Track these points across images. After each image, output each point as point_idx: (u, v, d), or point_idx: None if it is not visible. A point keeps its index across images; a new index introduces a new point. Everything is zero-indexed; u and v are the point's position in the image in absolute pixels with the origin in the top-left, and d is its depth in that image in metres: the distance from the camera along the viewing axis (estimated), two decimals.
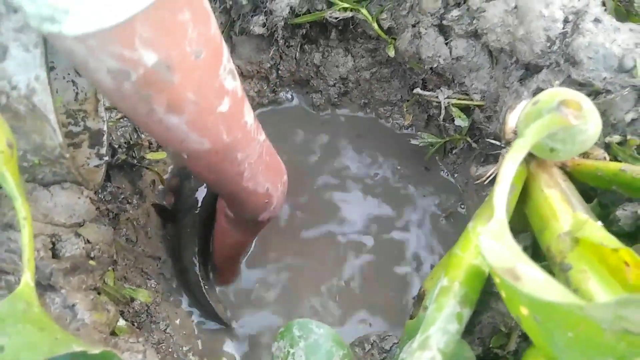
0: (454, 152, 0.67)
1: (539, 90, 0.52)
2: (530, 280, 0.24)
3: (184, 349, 0.54)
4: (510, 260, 0.25)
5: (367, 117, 0.75)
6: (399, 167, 0.70)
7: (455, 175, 0.68)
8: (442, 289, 0.38)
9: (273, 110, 0.76)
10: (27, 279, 0.34)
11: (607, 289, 0.35)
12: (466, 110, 0.62)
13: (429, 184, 0.69)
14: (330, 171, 0.71)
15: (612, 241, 0.36)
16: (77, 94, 0.55)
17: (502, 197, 0.31)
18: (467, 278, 0.36)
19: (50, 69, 0.50)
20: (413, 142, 0.67)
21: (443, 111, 0.62)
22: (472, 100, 0.61)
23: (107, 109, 0.59)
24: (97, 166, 0.54)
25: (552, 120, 0.34)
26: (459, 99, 0.62)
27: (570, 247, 0.37)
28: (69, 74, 0.55)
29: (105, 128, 0.55)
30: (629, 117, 0.47)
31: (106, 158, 0.56)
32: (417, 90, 0.63)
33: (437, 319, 0.36)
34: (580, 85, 0.50)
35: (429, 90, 0.65)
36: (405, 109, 0.70)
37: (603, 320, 0.22)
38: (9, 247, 0.39)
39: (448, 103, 0.62)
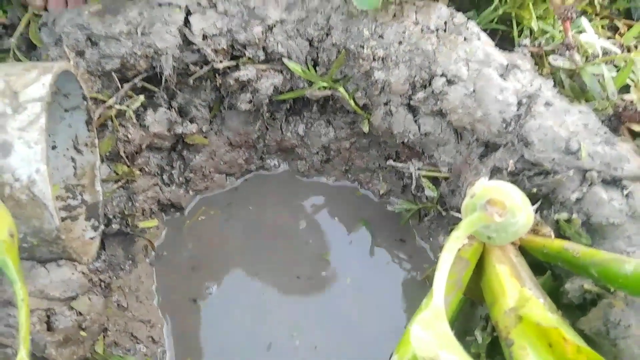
0: (427, 219, 0.71)
1: (495, 168, 0.57)
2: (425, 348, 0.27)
3: None
4: (433, 350, 0.29)
5: (348, 183, 0.79)
6: (375, 234, 0.74)
7: (430, 239, 0.72)
8: None
9: (261, 176, 0.81)
10: (23, 355, 0.38)
11: None
12: (436, 180, 0.67)
13: (404, 251, 0.72)
14: (312, 236, 0.75)
15: (550, 320, 0.40)
16: (75, 170, 0.60)
17: (440, 285, 0.35)
18: (413, 357, 0.39)
19: (52, 147, 0.56)
20: (389, 208, 0.72)
21: (414, 181, 0.67)
22: (440, 172, 0.66)
23: (103, 181, 0.64)
24: (92, 238, 0.58)
25: (479, 218, 0.39)
26: (428, 171, 0.67)
27: (514, 323, 0.41)
28: (68, 150, 0.60)
29: (101, 200, 0.60)
30: (574, 196, 0.51)
31: (101, 228, 0.60)
32: (390, 162, 0.69)
33: None
34: (532, 165, 0.55)
35: (402, 161, 0.70)
36: (381, 179, 0.75)
37: None
38: (8, 322, 0.44)
39: (418, 174, 0.67)
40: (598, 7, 0.70)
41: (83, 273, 0.50)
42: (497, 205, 0.39)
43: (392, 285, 0.70)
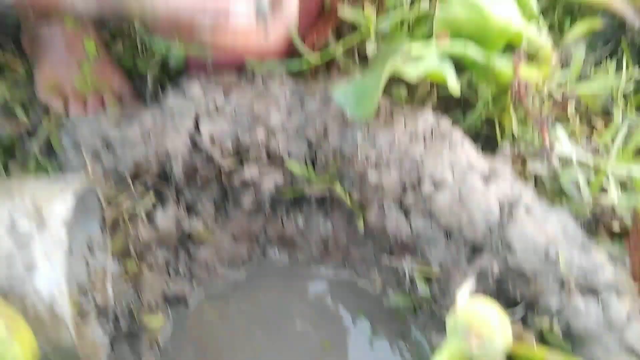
0: (421, 314, 0.74)
1: (482, 271, 0.61)
2: None
3: None
4: None
5: (347, 274, 0.83)
6: (374, 326, 0.77)
7: (426, 334, 0.74)
8: None
9: (262, 266, 0.85)
10: None
11: None
12: (429, 277, 0.71)
13: (402, 344, 0.75)
14: (312, 326, 0.78)
15: None
16: (89, 272, 0.64)
17: None
18: None
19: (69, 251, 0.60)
20: (385, 303, 0.75)
21: (408, 278, 0.71)
22: (432, 269, 0.70)
23: (113, 279, 0.68)
24: (102, 340, 0.62)
25: (459, 349, 0.42)
26: (421, 268, 0.71)
27: None
28: (82, 253, 0.65)
29: (111, 304, 0.64)
30: (554, 304, 0.55)
31: (111, 331, 0.64)
32: (385, 258, 0.73)
33: None
34: (515, 271, 0.59)
35: (397, 257, 0.74)
36: (377, 271, 0.79)
37: None
38: None
39: (412, 271, 0.70)
40: (576, 119, 0.75)
41: None
42: (475, 333, 0.43)
43: None
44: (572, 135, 0.75)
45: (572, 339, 0.53)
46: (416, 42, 0.73)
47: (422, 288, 0.69)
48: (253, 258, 0.83)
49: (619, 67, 0.83)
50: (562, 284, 0.55)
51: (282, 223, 0.82)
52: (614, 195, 0.63)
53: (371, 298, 0.79)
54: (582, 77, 0.82)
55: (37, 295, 0.48)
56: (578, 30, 0.86)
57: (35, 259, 0.48)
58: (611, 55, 0.87)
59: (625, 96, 0.80)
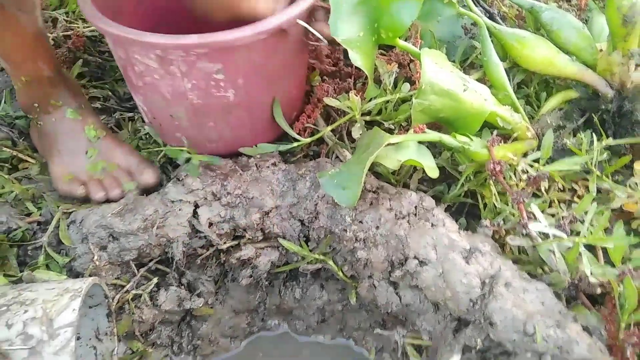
0: None
1: (466, 347, 0.64)
2: None
3: None
4: None
5: (343, 341, 0.86)
6: None
7: None
8: None
9: (263, 337, 0.88)
10: None
11: None
12: (419, 347, 0.74)
13: None
14: None
15: None
16: (96, 357, 0.68)
17: None
18: None
19: (77, 338, 0.64)
20: None
21: (400, 348, 0.74)
22: (422, 340, 0.73)
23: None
24: None
25: None
26: (412, 338, 0.74)
27: None
28: (90, 340, 0.69)
29: None
30: None
31: None
32: (377, 330, 0.76)
33: None
34: (497, 344, 0.62)
35: (389, 328, 0.77)
36: (371, 340, 0.82)
37: None
38: None
39: (403, 342, 0.74)
40: (551, 191, 0.80)
41: None
42: None
43: None
44: (550, 205, 0.79)
45: None
46: (397, 126, 0.79)
47: (414, 357, 0.72)
48: (253, 329, 0.87)
49: (596, 134, 0.88)
50: (540, 358, 0.58)
51: (280, 295, 0.86)
52: (587, 267, 0.66)
53: None
54: (558, 148, 0.88)
55: None
56: (553, 102, 0.92)
57: None
58: (587, 123, 0.92)
59: (601, 163, 0.85)
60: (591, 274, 0.67)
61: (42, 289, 0.59)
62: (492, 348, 0.62)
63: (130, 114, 1.00)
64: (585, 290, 0.67)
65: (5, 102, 0.98)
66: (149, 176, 0.83)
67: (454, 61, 0.97)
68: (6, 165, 0.89)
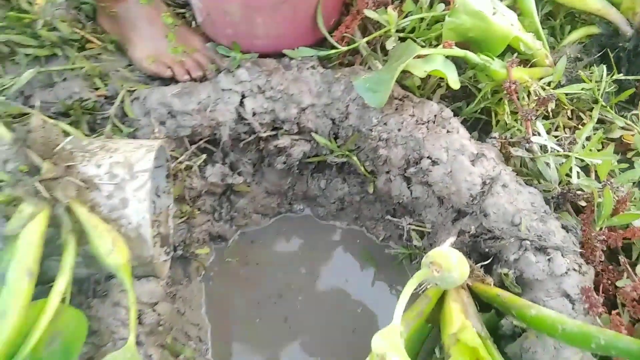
0: (415, 262, 0.91)
1: (461, 231, 0.77)
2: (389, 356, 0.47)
3: None
4: (384, 350, 0.49)
5: (357, 228, 1.00)
6: (378, 269, 0.94)
7: None
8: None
9: (289, 217, 1.03)
10: (132, 339, 0.59)
11: None
12: (422, 233, 0.87)
13: (398, 283, 0.92)
14: (327, 265, 0.96)
15: (475, 342, 0.59)
16: (155, 210, 0.83)
17: (399, 312, 0.55)
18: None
19: None
20: (386, 251, 0.92)
21: (406, 233, 0.88)
22: (425, 227, 0.86)
23: (173, 217, 0.86)
24: (165, 260, 0.80)
25: (424, 273, 0.59)
26: (417, 225, 0.87)
27: (454, 343, 0.60)
28: (152, 196, 0.83)
29: (171, 233, 0.82)
30: (512, 257, 0.70)
31: (171, 254, 0.83)
32: (388, 217, 0.89)
33: None
34: (487, 231, 0.75)
35: (398, 216, 0.90)
36: (382, 227, 0.95)
37: None
38: (116, 317, 0.65)
39: (409, 228, 0.87)
40: (561, 115, 0.89)
41: (162, 287, 0.72)
42: (436, 265, 0.59)
43: (387, 305, 0.88)
44: (557, 129, 0.89)
45: (523, 284, 0.69)
46: (427, 43, 0.88)
47: (417, 241, 0.85)
48: (281, 209, 1.01)
49: (609, 70, 0.96)
50: (521, 243, 0.71)
51: (307, 183, 0.99)
52: (576, 179, 0.77)
53: (376, 247, 0.97)
54: (572, 78, 0.96)
55: (128, 222, 0.66)
56: (575, 35, 0.99)
57: (127, 197, 0.66)
58: (604, 58, 0.99)
59: (608, 95, 0.93)
60: (578, 185, 0.78)
61: (122, 142, 0.72)
62: (482, 234, 0.75)
63: (182, 10, 1.09)
64: (571, 199, 0.78)
65: None
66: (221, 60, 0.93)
67: None
68: (76, 44, 1.00)
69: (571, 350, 0.61)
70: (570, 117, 0.95)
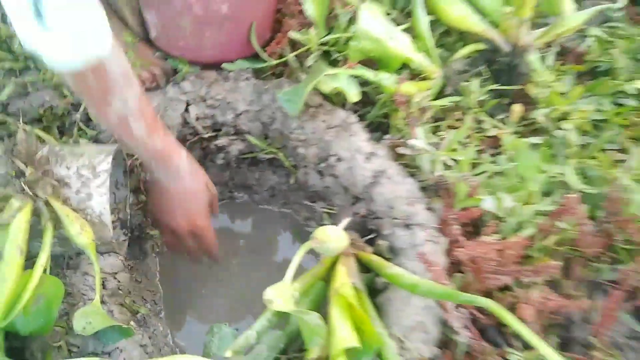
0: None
1: (355, 213, 1.00)
2: (276, 305, 0.70)
3: (162, 341, 0.99)
4: (271, 297, 0.71)
5: (286, 210, 1.22)
6: (301, 241, 1.17)
7: None
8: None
9: (231, 203, 1.24)
10: (97, 298, 0.80)
11: (344, 322, 0.80)
12: (332, 214, 1.10)
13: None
14: (263, 239, 1.18)
15: (348, 293, 0.82)
16: (115, 200, 1.03)
17: (291, 271, 0.77)
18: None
19: None
20: (307, 229, 1.15)
21: (320, 215, 1.10)
22: (334, 210, 1.09)
23: (130, 205, 1.07)
24: (123, 240, 1.01)
25: (308, 245, 0.81)
26: (328, 209, 1.10)
27: (335, 294, 0.83)
28: (112, 188, 1.03)
29: (129, 218, 1.03)
30: (387, 232, 0.94)
31: (128, 235, 1.03)
32: (306, 202, 1.12)
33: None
34: (373, 212, 0.98)
35: (314, 201, 1.13)
36: (304, 210, 1.18)
37: None
38: (85, 284, 0.86)
39: (322, 211, 1.10)
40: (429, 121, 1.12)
41: (121, 260, 0.93)
42: (317, 239, 0.82)
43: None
44: (434, 132, 1.12)
45: (394, 252, 0.93)
46: (334, 66, 1.09)
47: (327, 221, 1.08)
48: (224, 197, 1.22)
49: (490, 80, 1.19)
50: (394, 222, 0.94)
51: (244, 175, 1.20)
52: (443, 171, 1.00)
53: (300, 225, 1.20)
54: (458, 88, 1.18)
55: (92, 211, 0.85)
56: (464, 51, 1.21)
57: (92, 192, 0.85)
58: (488, 71, 1.22)
59: (482, 102, 1.16)
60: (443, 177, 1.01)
61: (87, 147, 0.91)
62: (369, 215, 0.98)
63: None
64: (440, 185, 1.02)
65: None
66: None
67: (398, 9, 1.24)
68: None
69: (416, 298, 0.84)
70: (458, 119, 1.18)
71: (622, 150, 1.13)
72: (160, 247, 1.13)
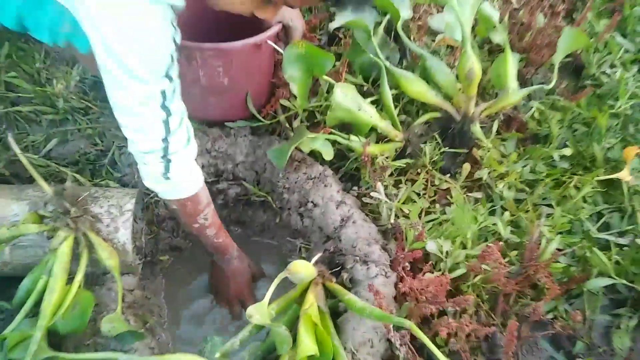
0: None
1: (326, 250, 1.25)
2: (255, 319, 0.94)
3: (165, 347, 1.23)
4: (252, 313, 0.95)
5: (274, 242, 1.47)
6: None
7: None
8: None
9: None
10: (118, 309, 1.04)
11: (308, 335, 1.04)
12: (308, 249, 1.34)
13: None
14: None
15: (314, 314, 1.06)
16: (133, 230, 1.28)
17: (269, 294, 1.01)
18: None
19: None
20: (289, 260, 1.39)
21: (299, 249, 1.35)
22: (309, 246, 1.33)
23: (145, 234, 1.32)
24: (138, 263, 1.25)
25: (283, 274, 1.06)
26: (305, 244, 1.34)
27: (304, 314, 1.07)
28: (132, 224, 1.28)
29: (144, 246, 1.28)
30: (349, 266, 1.18)
31: (142, 260, 1.28)
32: (288, 238, 1.36)
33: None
34: (339, 250, 1.23)
35: (295, 237, 1.38)
36: (287, 243, 1.42)
37: None
38: (109, 297, 1.10)
39: (300, 246, 1.34)
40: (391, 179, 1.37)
41: (137, 280, 1.17)
42: (290, 270, 1.06)
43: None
44: (396, 185, 1.37)
45: (354, 283, 1.17)
46: (313, 132, 1.35)
47: (304, 253, 1.33)
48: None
49: (442, 143, 1.44)
50: (354, 258, 1.19)
51: (239, 213, 1.45)
52: (395, 219, 1.25)
53: (284, 256, 1.44)
54: (417, 150, 1.44)
55: (118, 241, 1.10)
56: (423, 118, 1.48)
57: (118, 226, 1.11)
58: (443, 135, 1.48)
59: (435, 162, 1.42)
60: (398, 223, 1.26)
61: (115, 191, 1.17)
62: (337, 252, 1.23)
63: None
64: (396, 230, 1.26)
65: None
66: None
67: (369, 82, 1.50)
68: (82, 110, 1.44)
69: (367, 319, 1.08)
70: (416, 174, 1.43)
71: (551, 206, 1.38)
72: (167, 269, 1.38)
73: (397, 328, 1.06)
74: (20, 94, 1.41)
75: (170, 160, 0.97)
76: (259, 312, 0.98)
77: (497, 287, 1.18)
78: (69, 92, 1.43)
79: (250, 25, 1.27)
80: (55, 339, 1.01)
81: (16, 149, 1.05)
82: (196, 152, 1.05)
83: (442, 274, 1.19)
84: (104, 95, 0.92)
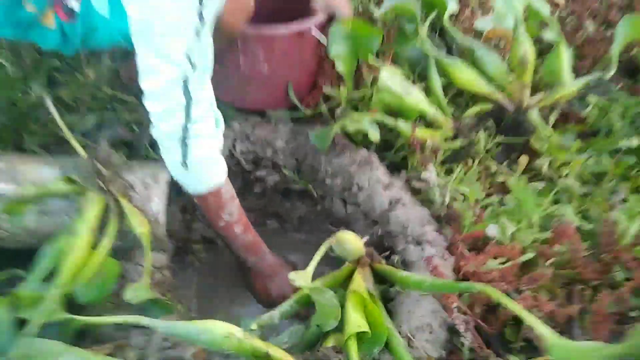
0: None
1: (374, 232, 1.13)
2: (297, 282, 0.83)
3: None
4: (295, 278, 0.84)
5: (313, 238, 1.36)
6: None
7: None
8: None
9: (263, 229, 1.38)
10: (146, 279, 0.94)
11: (357, 310, 0.91)
12: None
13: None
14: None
15: (363, 292, 0.94)
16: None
17: (313, 264, 0.90)
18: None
19: None
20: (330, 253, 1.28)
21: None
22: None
23: (179, 221, 1.23)
24: (170, 245, 1.16)
25: (329, 242, 0.95)
26: None
27: (351, 293, 0.95)
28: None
29: (175, 230, 1.19)
30: (400, 248, 1.06)
31: (174, 245, 1.19)
32: (330, 227, 1.26)
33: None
34: (388, 233, 1.11)
35: (338, 227, 1.26)
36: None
37: None
38: (136, 271, 1.01)
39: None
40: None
41: (167, 258, 1.08)
42: (336, 239, 0.95)
43: None
44: (447, 173, 1.27)
45: (406, 264, 1.04)
46: (359, 112, 1.28)
47: None
48: (258, 224, 1.38)
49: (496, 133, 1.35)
50: (407, 239, 1.07)
51: (277, 205, 1.36)
52: (453, 202, 1.14)
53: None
54: (471, 140, 1.34)
55: (151, 212, 1.02)
56: (474, 109, 1.39)
57: (152, 196, 1.03)
58: (495, 126, 1.38)
59: (488, 150, 1.31)
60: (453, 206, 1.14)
61: (152, 163, 1.10)
62: (385, 235, 1.11)
63: None
64: (450, 216, 1.15)
65: None
66: None
67: (415, 74, 1.44)
68: (120, 99, 1.41)
69: (425, 301, 0.95)
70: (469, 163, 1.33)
71: (624, 201, 1.25)
72: (200, 261, 1.28)
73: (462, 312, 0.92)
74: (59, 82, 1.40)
75: (187, 145, 0.93)
76: (303, 278, 0.86)
77: (572, 275, 1.03)
78: (105, 84, 1.41)
79: (296, 15, 1.25)
80: (73, 310, 0.91)
81: (52, 109, 1.00)
82: (221, 144, 1.01)
83: (507, 260, 1.05)
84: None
